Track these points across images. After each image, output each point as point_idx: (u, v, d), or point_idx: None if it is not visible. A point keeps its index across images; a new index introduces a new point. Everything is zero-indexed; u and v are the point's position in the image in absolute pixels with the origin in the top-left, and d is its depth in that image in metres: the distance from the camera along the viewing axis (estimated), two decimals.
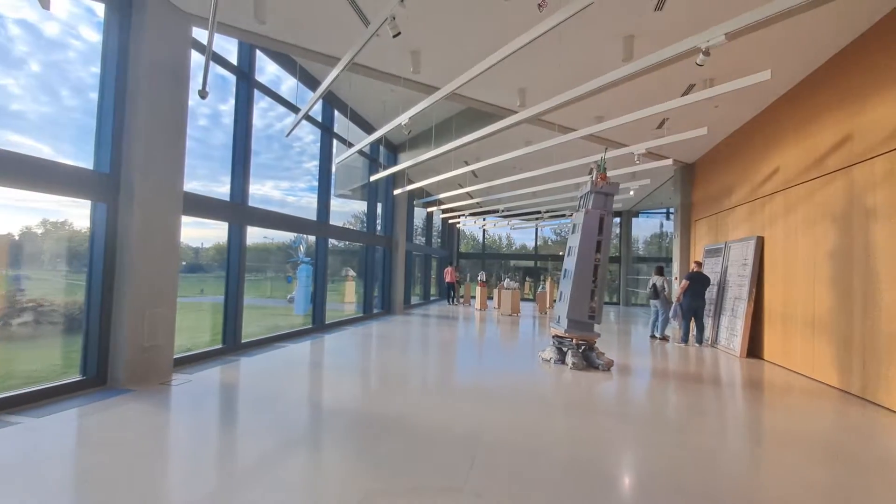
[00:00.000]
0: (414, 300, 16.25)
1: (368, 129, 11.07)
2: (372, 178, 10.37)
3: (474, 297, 17.42)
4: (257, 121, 7.30)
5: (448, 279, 17.01)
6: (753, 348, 7.72)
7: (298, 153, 10.90)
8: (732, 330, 8.13)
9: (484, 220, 19.30)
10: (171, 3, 5.04)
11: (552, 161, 9.86)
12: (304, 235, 14.54)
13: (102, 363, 4.68)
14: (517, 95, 7.10)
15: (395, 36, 3.83)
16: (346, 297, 13.66)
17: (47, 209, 4.63)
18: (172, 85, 5.14)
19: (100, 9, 4.80)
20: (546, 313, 14.74)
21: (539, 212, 16.56)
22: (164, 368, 5.12)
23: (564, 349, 6.54)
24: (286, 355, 6.65)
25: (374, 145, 12.14)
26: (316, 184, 9.44)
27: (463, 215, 17.80)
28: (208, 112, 7.46)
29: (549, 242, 23.83)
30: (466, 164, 11.91)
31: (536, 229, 21.82)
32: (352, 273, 15.30)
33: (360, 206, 13.19)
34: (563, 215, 16.72)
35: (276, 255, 14.65)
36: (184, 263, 9.09)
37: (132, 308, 4.75)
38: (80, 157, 4.74)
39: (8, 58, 4.16)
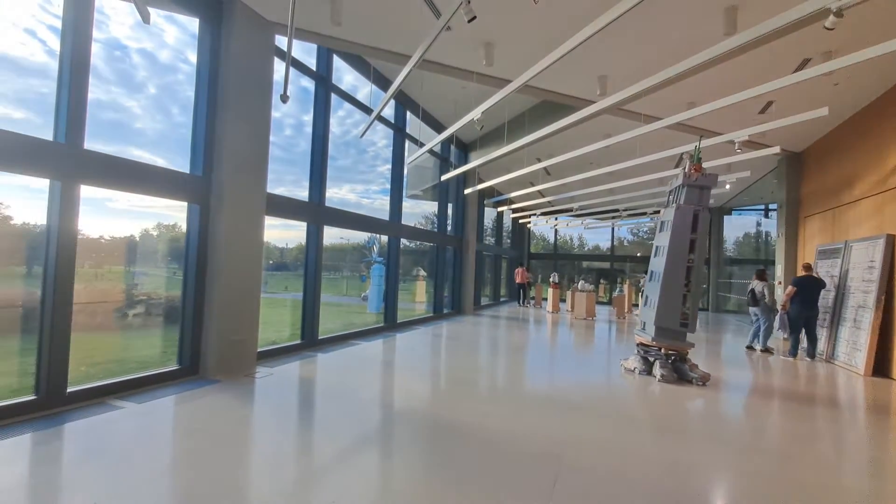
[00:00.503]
0: (484, 301, 16.05)
1: (439, 128, 11.04)
2: (443, 178, 10.33)
3: (546, 299, 16.84)
4: (335, 128, 7.56)
5: (518, 280, 16.58)
6: (881, 365, 6.55)
7: (372, 157, 11.24)
8: (854, 343, 6.97)
9: (556, 219, 18.59)
10: (255, 12, 5.29)
11: (634, 154, 9.15)
12: (377, 236, 14.96)
13: (195, 354, 5.01)
14: (597, 83, 6.62)
15: (469, 20, 3.65)
16: (416, 296, 13.80)
17: (161, 214, 5.09)
18: (257, 91, 5.40)
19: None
20: (624, 318, 13.82)
21: (617, 210, 15.59)
22: (249, 361, 5.38)
23: (651, 359, 5.97)
24: (359, 353, 6.75)
25: (445, 144, 12.11)
26: (388, 186, 9.58)
27: (534, 214, 17.28)
28: (293, 122, 7.91)
29: (626, 243, 22.43)
30: (539, 160, 11.48)
31: (613, 229, 20.63)
32: (422, 273, 15.46)
33: (431, 207, 13.26)
34: (644, 213, 15.60)
35: (351, 255, 15.19)
36: (270, 262, 9.67)
37: (221, 303, 5.04)
38: (185, 167, 5.05)
39: (132, 83, 4.74)
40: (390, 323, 9.23)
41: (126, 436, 3.30)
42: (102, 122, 4.24)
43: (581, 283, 14.15)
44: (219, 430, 3.48)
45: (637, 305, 17.08)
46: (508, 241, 19.78)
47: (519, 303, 16.81)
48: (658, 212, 15.74)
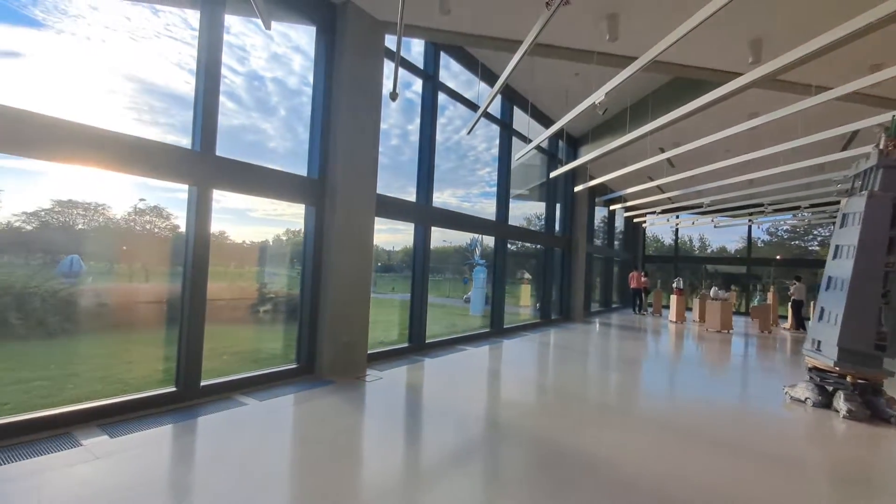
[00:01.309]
0: (593, 307, 14.88)
1: (547, 123, 10.39)
2: (552, 175, 9.67)
3: (666, 307, 15.07)
4: (437, 135, 7.41)
5: (634, 285, 15.08)
6: None
7: (472, 161, 11.09)
8: None
9: (677, 217, 16.63)
10: (366, 12, 5.28)
11: (787, 135, 7.59)
12: (480, 238, 14.67)
13: (311, 354, 5.10)
14: (748, 49, 5.51)
15: None
16: (521, 300, 13.23)
17: (289, 221, 5.45)
18: (367, 92, 5.38)
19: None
20: (769, 332, 11.72)
21: (759, 205, 13.36)
22: (360, 363, 5.36)
23: (830, 388, 4.73)
24: (466, 360, 6.44)
25: (553, 140, 11.40)
26: (489, 189, 9.26)
27: (653, 212, 15.61)
28: (398, 132, 8.06)
29: (760, 244, 19.28)
30: (662, 150, 10.21)
31: (750, 227, 17.85)
32: (527, 276, 14.82)
33: (536, 208, 12.62)
34: (797, 207, 13.13)
35: (453, 258, 15.13)
36: (378, 264, 9.89)
37: (334, 303, 5.07)
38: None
39: (266, 107, 5.20)
40: (496, 328, 8.83)
41: (249, 435, 3.32)
42: (245, 143, 4.69)
43: (714, 289, 12.32)
44: (332, 436, 3.37)
45: (785, 318, 14.50)
46: (619, 242, 18.20)
47: (634, 310, 15.28)
48: (818, 206, 13.16)
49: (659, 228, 20.21)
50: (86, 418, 3.35)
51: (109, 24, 3.77)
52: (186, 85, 4.11)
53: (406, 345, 6.61)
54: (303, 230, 5.21)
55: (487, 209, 9.19)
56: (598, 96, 5.16)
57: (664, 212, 16.85)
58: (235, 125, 4.36)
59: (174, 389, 3.90)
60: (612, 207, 14.23)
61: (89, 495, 2.39)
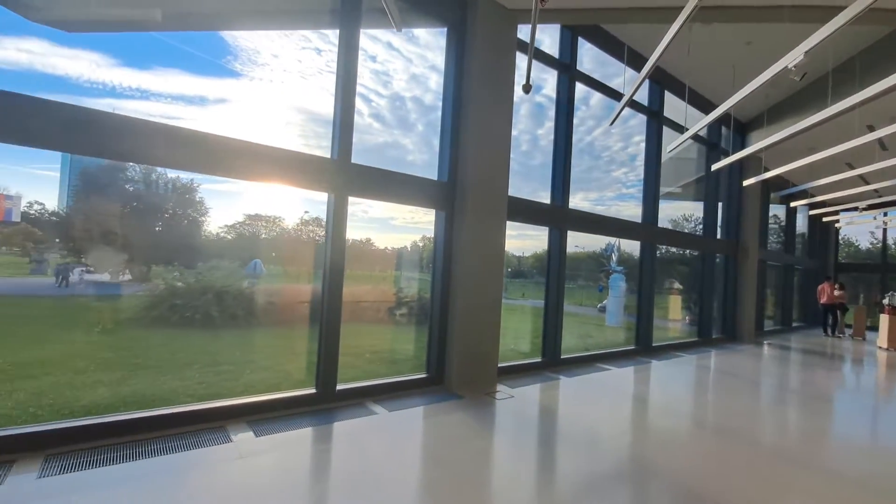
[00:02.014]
0: (766, 325, 12.31)
1: (707, 107, 8.85)
2: (714, 167, 8.15)
3: (871, 329, 11.75)
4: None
5: (824, 301, 12.04)
6: None
7: (606, 162, 10.25)
8: None
9: (885, 214, 12.97)
10: (497, 3, 4.94)
11: None
12: (616, 244, 13.29)
13: (441, 364, 4.90)
14: None
15: None
16: (669, 313, 11.58)
17: (425, 228, 5.71)
18: (499, 89, 5.03)
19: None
20: None
21: None
22: (489, 377, 5.00)
23: None
24: (609, 383, 5.63)
25: (714, 127, 9.70)
26: (626, 191, 8.19)
27: (854, 208, 12.35)
28: (528, 138, 7.69)
29: None
30: (870, 129, 7.89)
31: None
32: (676, 285, 12.96)
33: (684, 208, 10.93)
34: None
35: (586, 264, 14.01)
36: (508, 269, 9.53)
37: (464, 312, 4.80)
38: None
39: (406, 124, 5.64)
40: (643, 346, 7.71)
41: (381, 449, 3.20)
42: (388, 159, 5.09)
43: None
44: (463, 458, 3.05)
45: None
46: (800, 246, 14.87)
47: (825, 331, 12.23)
48: None
49: (856, 229, 16.09)
50: (238, 414, 3.57)
51: (287, 67, 4.53)
52: None
53: (539, 359, 6.06)
54: (433, 237, 5.07)
55: (623, 212, 8.22)
56: (793, 57, 4.00)
57: (869, 208, 13.26)
58: (380, 142, 4.85)
59: (314, 391, 4.00)
60: (793, 204, 11.61)
61: (231, 496, 2.42)
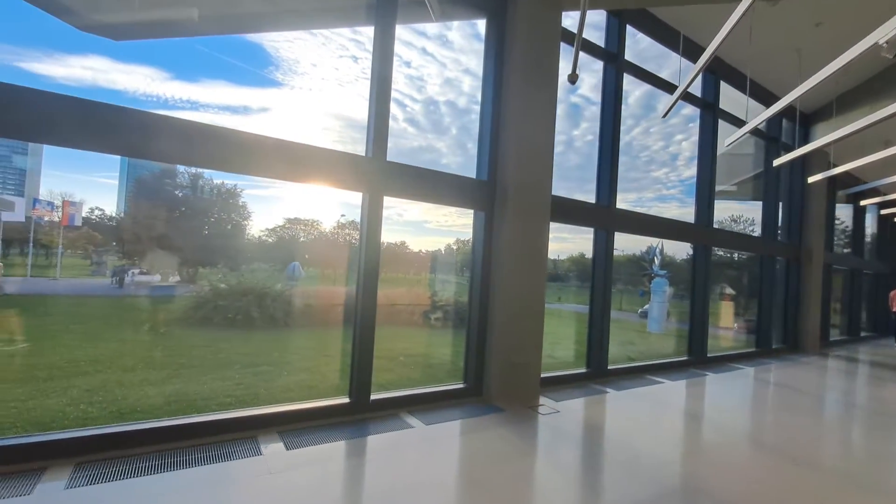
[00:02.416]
0: (832, 335, 11.28)
1: (767, 98, 8.16)
2: (776, 163, 7.47)
3: None
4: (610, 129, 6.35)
5: None
6: None
7: (645, 163, 9.88)
8: None
9: None
10: None
11: None
12: (659, 246, 12.57)
13: (479, 373, 4.62)
14: None
15: None
16: (719, 320, 10.82)
17: (459, 231, 5.83)
18: (542, 81, 4.70)
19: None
20: None
21: None
22: (532, 389, 4.67)
23: None
24: (661, 398, 5.17)
25: (774, 119, 8.95)
26: (667, 192, 7.66)
27: None
28: (563, 138, 7.39)
29: None
30: None
31: None
32: (728, 291, 12.13)
33: (734, 208, 10.18)
34: None
35: (625, 268, 13.35)
36: None
37: (504, 319, 4.50)
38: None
39: (440, 127, 5.62)
40: (697, 357, 7.13)
41: (417, 466, 2.95)
42: (422, 162, 5.06)
43: None
44: (502, 481, 2.75)
45: None
46: (869, 249, 13.60)
47: None
48: None
49: None
50: (269, 423, 3.41)
51: (325, 76, 4.66)
52: None
53: (584, 370, 5.66)
54: (471, 238, 4.79)
55: (664, 213, 7.68)
56: (886, 30, 3.48)
57: None
58: (415, 146, 5.25)
59: (347, 401, 3.81)
60: (863, 203, 10.59)
61: None
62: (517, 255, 4.54)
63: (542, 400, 4.63)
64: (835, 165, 9.18)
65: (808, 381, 6.53)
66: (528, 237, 4.62)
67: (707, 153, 7.35)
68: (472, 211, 4.71)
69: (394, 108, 4.09)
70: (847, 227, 12.54)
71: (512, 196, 4.49)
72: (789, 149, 8.86)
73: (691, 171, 7.55)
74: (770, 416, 4.84)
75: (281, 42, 4.65)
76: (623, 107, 5.95)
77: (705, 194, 7.31)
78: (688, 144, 8.76)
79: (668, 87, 6.61)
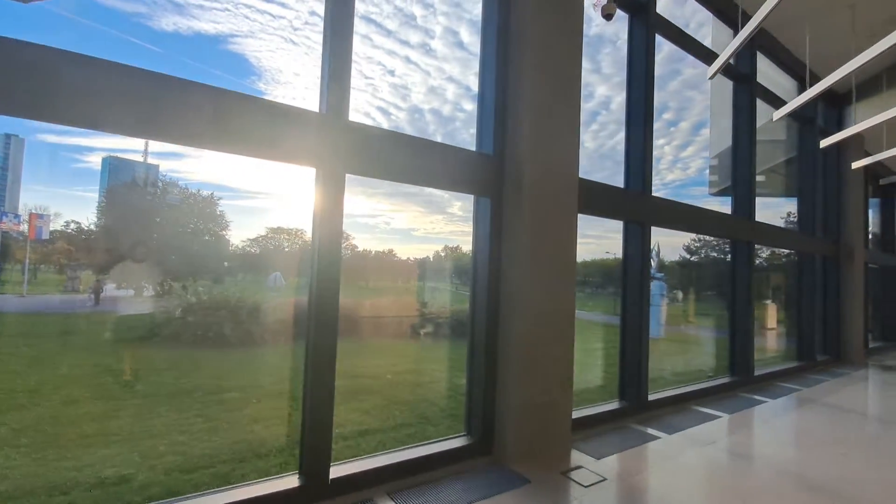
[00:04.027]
0: (869, 341, 10.16)
1: (799, 73, 7.09)
2: (823, 144, 6.37)
3: None
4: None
5: None
6: None
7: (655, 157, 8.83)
8: None
9: None
10: None
11: None
12: (657, 247, 11.51)
13: (488, 421, 3.33)
14: None
15: None
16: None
17: (448, 238, 5.63)
18: (563, 16, 3.49)
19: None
20: None
21: None
22: (562, 441, 3.40)
23: None
24: (732, 444, 3.90)
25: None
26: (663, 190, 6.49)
27: None
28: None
29: None
30: None
31: None
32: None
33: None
34: None
35: (616, 272, 12.36)
36: None
37: (521, 343, 3.24)
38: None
39: (425, 135, 5.57)
40: (743, 376, 5.89)
41: None
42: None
43: None
44: None
45: None
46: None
47: None
48: None
49: None
50: None
51: (308, 85, 4.45)
52: None
53: (617, 404, 4.40)
54: (472, 236, 3.53)
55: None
56: None
57: None
58: None
59: (296, 484, 2.50)
60: None
61: None
62: (538, 259, 3.29)
63: (576, 456, 3.36)
64: (867, 154, 8.16)
65: (875, 400, 5.36)
66: (552, 234, 3.38)
67: (745, 134, 6.20)
68: (461, 207, 3.46)
69: (379, 117, 3.90)
70: (877, 219, 11.52)
71: (528, 177, 3.25)
72: (826, 133, 7.78)
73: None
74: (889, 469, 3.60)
75: (263, 52, 4.55)
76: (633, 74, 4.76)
77: (745, 184, 6.15)
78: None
79: (707, 55, 5.48)
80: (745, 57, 6.20)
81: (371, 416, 4.61)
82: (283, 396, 4.84)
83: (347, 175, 2.69)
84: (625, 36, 4.78)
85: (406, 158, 2.93)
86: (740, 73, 6.18)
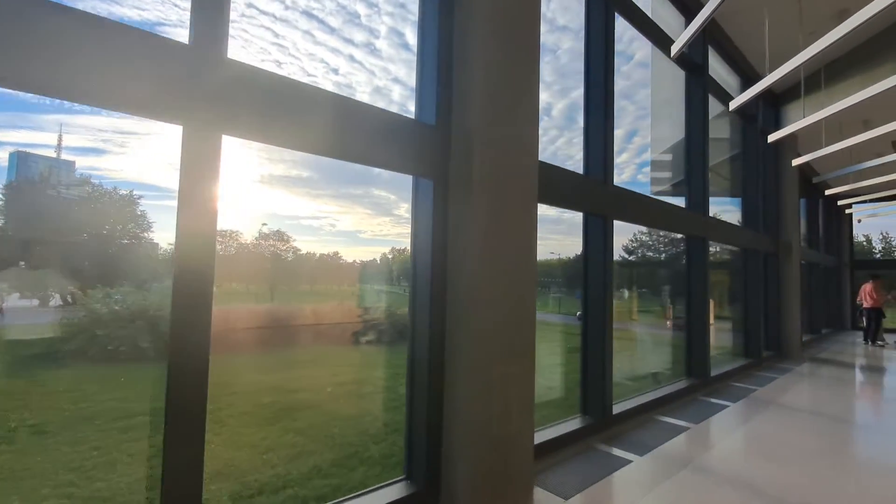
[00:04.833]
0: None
1: (742, 68, 7.07)
2: (770, 139, 6.29)
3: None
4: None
5: (869, 304, 10.44)
6: None
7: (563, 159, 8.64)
8: None
9: None
10: None
11: None
12: None
13: (433, 460, 2.64)
14: None
15: None
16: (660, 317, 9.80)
17: (396, 241, 5.56)
18: None
19: None
20: None
21: None
22: (523, 478, 2.77)
23: None
24: (709, 464, 3.49)
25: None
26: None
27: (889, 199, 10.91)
28: None
29: None
30: None
31: None
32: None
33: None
34: None
35: (558, 272, 12.39)
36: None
37: (472, 360, 2.57)
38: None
39: None
40: (699, 378, 5.63)
41: None
42: (355, 172, 5.10)
43: None
44: None
45: None
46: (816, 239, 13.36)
47: (867, 339, 10.60)
48: None
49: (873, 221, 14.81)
50: None
51: None
52: None
53: (580, 422, 3.86)
54: (411, 229, 2.83)
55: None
56: None
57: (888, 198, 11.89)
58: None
59: None
60: (829, 192, 9.98)
61: None
62: (493, 256, 2.64)
63: (539, 495, 2.76)
64: (799, 155, 8.39)
65: (843, 405, 5.27)
66: (510, 226, 2.75)
67: (698, 127, 5.98)
68: (407, 209, 2.77)
69: None
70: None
71: (481, 155, 2.60)
72: (765, 132, 7.86)
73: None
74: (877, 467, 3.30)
75: None
76: (547, 118, 4.37)
77: (700, 174, 5.92)
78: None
79: (662, 41, 5.14)
80: (697, 46, 5.98)
81: (302, 439, 4.03)
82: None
83: (241, 142, 1.90)
84: (565, 46, 4.32)
85: (315, 119, 2.18)
86: (694, 63, 5.95)
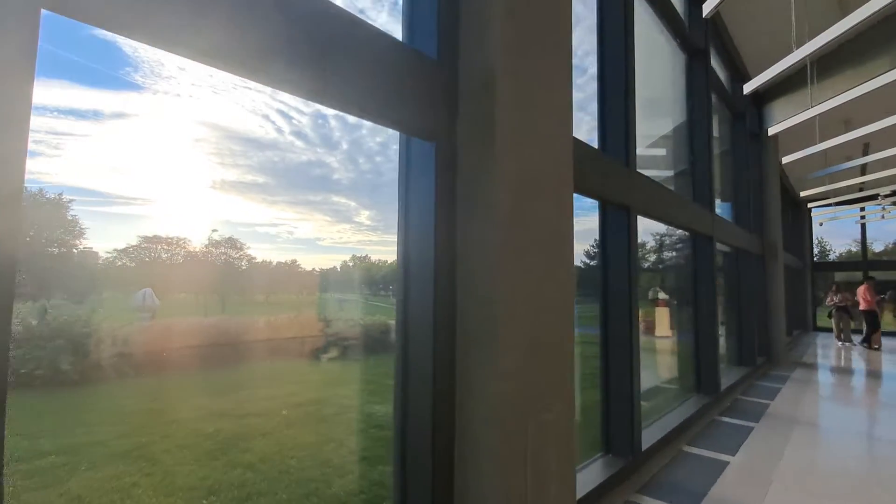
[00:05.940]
0: None
1: (731, 64, 6.69)
2: (771, 131, 5.88)
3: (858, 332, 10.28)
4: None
5: (864, 306, 10.29)
6: None
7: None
8: None
9: (883, 208, 11.93)
10: None
11: None
12: None
13: None
14: None
15: None
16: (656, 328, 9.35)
17: (356, 248, 5.44)
18: None
19: None
20: None
21: None
22: None
23: None
24: (760, 499, 2.80)
25: (739, 94, 7.59)
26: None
27: (855, 202, 11.04)
28: None
29: None
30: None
31: None
32: (661, 295, 10.87)
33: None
34: None
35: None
36: None
37: (500, 402, 1.72)
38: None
39: (330, 143, 5.21)
40: (710, 393, 5.03)
41: None
42: (313, 177, 5.07)
43: None
44: None
45: None
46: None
47: (840, 339, 10.56)
48: None
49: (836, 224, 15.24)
50: None
51: (196, 82, 3.98)
52: (260, 129, 4.08)
53: (605, 466, 3.08)
54: (398, 214, 1.95)
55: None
56: None
57: (855, 201, 12.16)
58: (304, 161, 4.94)
59: None
60: (804, 194, 9.90)
61: None
62: (522, 250, 1.81)
63: None
64: (779, 154, 8.20)
65: (867, 419, 4.81)
66: (541, 212, 1.93)
67: (702, 116, 5.44)
68: (369, 216, 2.65)
69: (279, 120, 3.84)
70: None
71: (505, 106, 1.77)
72: (753, 130, 7.56)
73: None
74: None
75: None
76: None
77: (703, 171, 5.38)
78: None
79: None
80: (698, 30, 5.46)
81: (252, 475, 3.36)
82: (131, 457, 3.60)
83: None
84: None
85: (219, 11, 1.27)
86: (696, 47, 5.42)
